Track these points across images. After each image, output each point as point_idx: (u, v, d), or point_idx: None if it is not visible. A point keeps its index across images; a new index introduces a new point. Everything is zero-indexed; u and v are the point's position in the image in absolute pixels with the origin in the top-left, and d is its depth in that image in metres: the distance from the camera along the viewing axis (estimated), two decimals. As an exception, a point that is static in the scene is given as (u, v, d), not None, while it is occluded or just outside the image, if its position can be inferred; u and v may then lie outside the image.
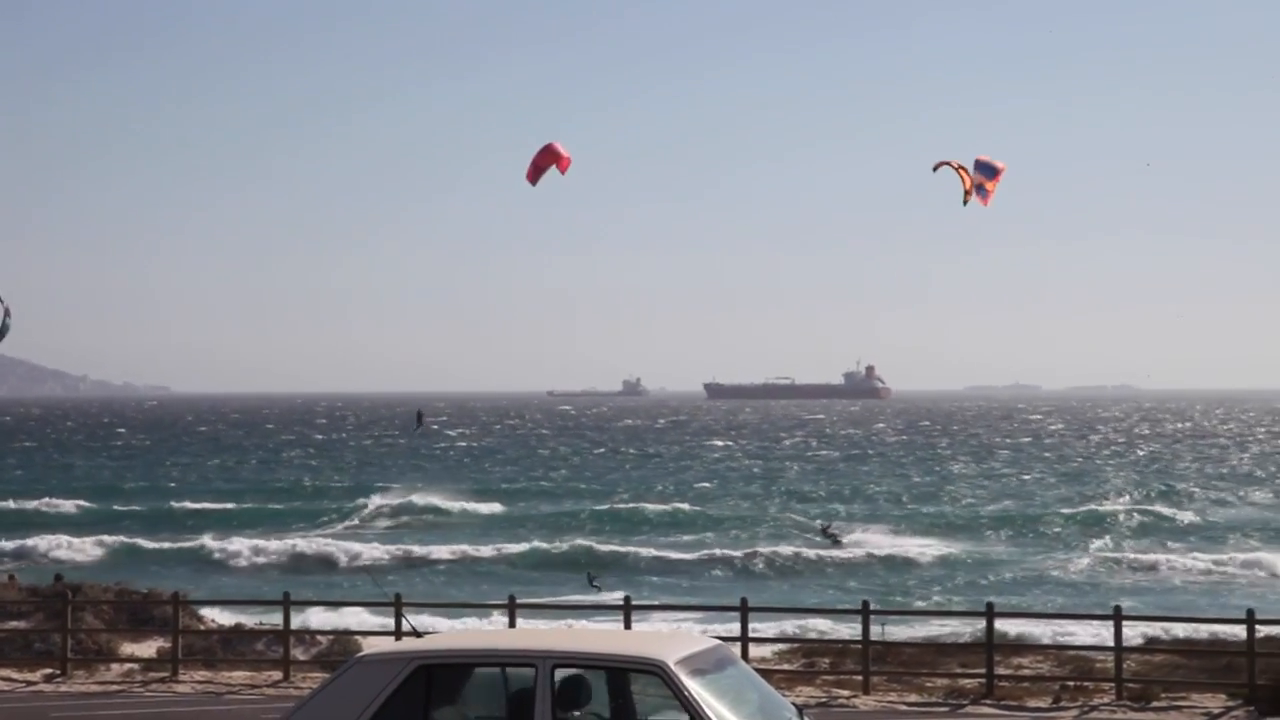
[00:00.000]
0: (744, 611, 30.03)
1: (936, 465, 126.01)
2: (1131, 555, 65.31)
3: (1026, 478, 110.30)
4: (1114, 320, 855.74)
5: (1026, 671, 30.91)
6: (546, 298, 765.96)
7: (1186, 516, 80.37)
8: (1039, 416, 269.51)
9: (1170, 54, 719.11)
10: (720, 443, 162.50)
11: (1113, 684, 28.23)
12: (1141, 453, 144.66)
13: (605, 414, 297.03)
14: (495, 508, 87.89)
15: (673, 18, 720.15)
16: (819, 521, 70.81)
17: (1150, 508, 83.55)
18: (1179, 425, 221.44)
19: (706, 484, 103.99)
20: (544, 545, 70.18)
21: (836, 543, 65.47)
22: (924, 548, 67.97)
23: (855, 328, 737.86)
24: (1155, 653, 32.22)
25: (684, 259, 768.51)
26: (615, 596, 38.31)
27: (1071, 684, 29.10)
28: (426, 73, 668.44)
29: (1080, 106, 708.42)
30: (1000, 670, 29.54)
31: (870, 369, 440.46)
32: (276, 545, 69.59)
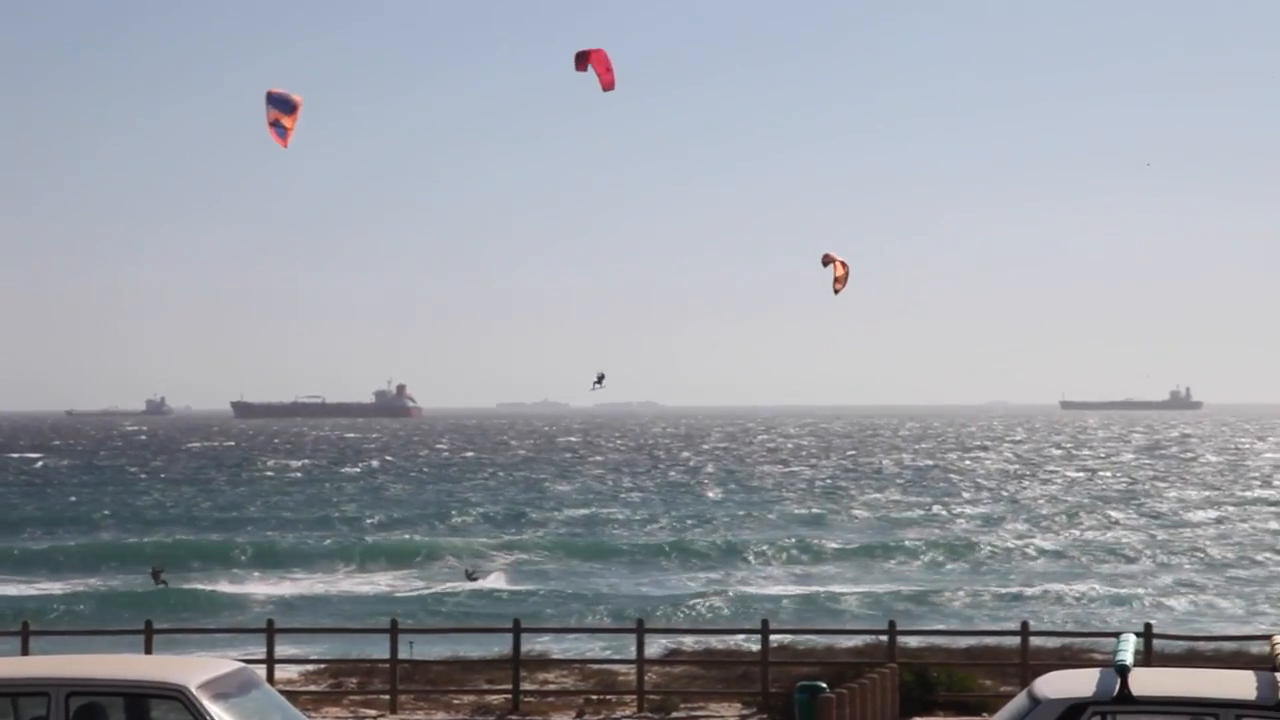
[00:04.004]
0: (270, 634, 29.59)
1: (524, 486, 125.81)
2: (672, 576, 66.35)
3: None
4: (636, 337, 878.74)
5: (552, 686, 31.38)
6: (65, 310, 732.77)
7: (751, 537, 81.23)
8: (660, 431, 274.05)
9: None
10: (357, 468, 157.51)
11: (635, 696, 28.96)
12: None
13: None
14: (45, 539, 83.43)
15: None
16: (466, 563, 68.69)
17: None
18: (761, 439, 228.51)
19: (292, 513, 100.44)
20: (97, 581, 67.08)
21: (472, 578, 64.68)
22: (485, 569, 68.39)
23: (386, 345, 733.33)
24: (675, 664, 33.16)
25: (209, 270, 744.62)
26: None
27: (595, 697, 29.72)
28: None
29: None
30: (526, 686, 29.93)
31: (401, 388, 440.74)
32: None
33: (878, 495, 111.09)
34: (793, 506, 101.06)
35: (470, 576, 65.37)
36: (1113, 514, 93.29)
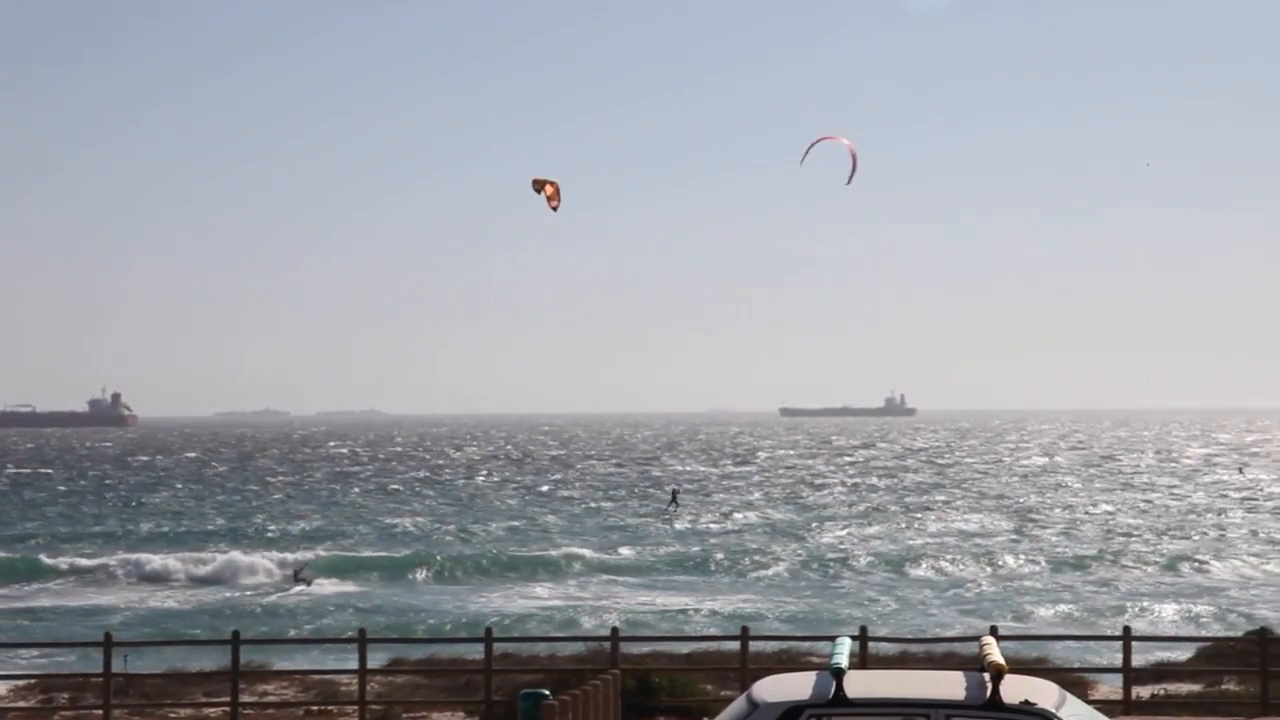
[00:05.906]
0: (-23, 648, 28.69)
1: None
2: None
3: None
4: (358, 343, 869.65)
5: (272, 698, 31.00)
6: None
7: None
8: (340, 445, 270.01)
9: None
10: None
11: (356, 706, 28.73)
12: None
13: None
14: None
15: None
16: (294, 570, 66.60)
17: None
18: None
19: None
20: None
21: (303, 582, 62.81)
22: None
23: (93, 351, 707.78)
24: (398, 674, 32.98)
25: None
26: None
27: (316, 708, 29.44)
28: None
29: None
30: (245, 698, 29.48)
31: (116, 396, 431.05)
32: None
33: (664, 503, 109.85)
34: (590, 516, 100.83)
35: (299, 578, 63.90)
36: (897, 521, 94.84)
